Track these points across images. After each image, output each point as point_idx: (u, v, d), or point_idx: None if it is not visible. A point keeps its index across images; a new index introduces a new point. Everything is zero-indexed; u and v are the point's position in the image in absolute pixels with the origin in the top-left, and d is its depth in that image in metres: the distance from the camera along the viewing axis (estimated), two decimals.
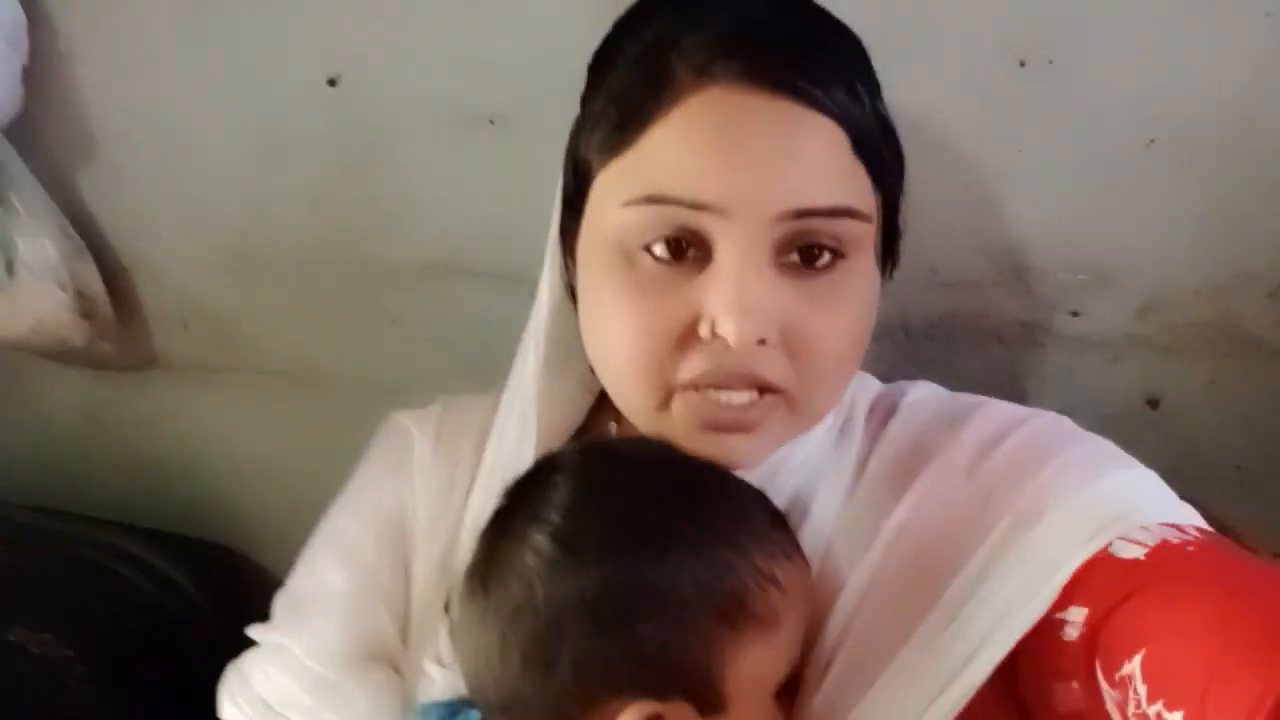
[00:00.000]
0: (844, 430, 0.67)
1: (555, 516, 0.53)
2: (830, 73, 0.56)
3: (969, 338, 0.91)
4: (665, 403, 0.57)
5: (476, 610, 0.54)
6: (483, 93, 0.95)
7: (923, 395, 0.70)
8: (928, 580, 0.57)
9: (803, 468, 0.64)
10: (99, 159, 1.11)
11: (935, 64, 0.81)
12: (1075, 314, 0.87)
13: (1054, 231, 0.85)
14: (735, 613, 0.51)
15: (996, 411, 0.64)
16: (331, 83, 1.00)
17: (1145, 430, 0.89)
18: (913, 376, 0.92)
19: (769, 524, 0.56)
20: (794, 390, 0.57)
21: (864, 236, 0.58)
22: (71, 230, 1.10)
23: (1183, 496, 0.57)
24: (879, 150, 0.58)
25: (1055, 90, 0.80)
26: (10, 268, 1.07)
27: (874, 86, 0.61)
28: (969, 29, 0.79)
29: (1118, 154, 0.81)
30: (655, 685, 0.50)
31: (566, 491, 0.54)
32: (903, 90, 0.79)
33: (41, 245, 1.07)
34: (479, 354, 0.94)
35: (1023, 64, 0.80)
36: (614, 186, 0.57)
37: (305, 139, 1.04)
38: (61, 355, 1.14)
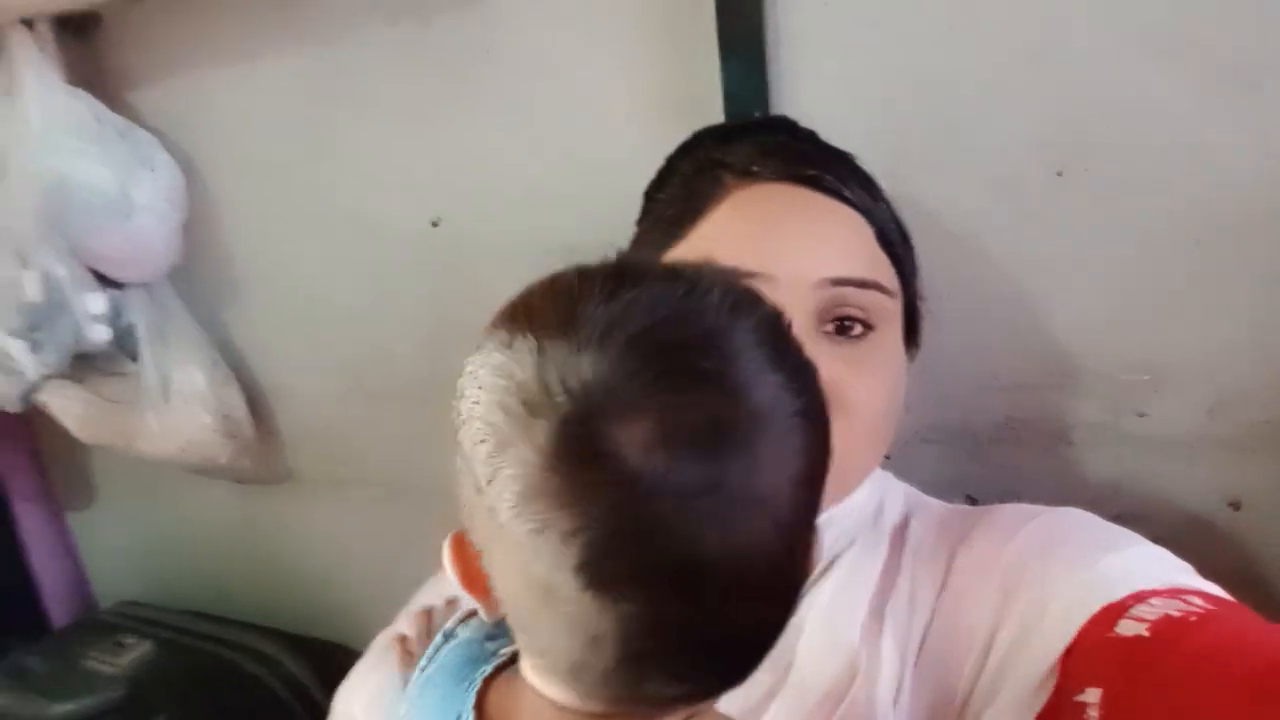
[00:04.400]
0: (878, 512, 0.69)
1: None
2: (851, 177, 0.66)
3: (1036, 441, 0.91)
4: None
5: None
6: (558, 225, 1.04)
7: (935, 504, 0.73)
8: (951, 687, 0.58)
9: (841, 537, 0.67)
10: (243, 301, 1.27)
11: (975, 175, 0.84)
12: (1142, 415, 0.86)
13: (1109, 334, 0.85)
14: None
15: (1006, 513, 0.66)
16: (434, 224, 1.12)
17: (1229, 533, 0.86)
18: (981, 480, 0.93)
19: None
20: (836, 450, 0.59)
21: (892, 312, 0.65)
22: (220, 361, 1.25)
23: (1262, 604, 0.54)
24: (898, 244, 0.67)
25: (1094, 197, 0.81)
26: (166, 394, 1.22)
27: (887, 200, 0.69)
28: (1005, 141, 0.82)
29: (1163, 256, 0.81)
30: None
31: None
32: (945, 200, 0.84)
33: (193, 374, 1.22)
34: None
35: (1060, 174, 0.82)
36: None
37: (412, 276, 1.15)
38: (207, 470, 1.27)
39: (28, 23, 1.17)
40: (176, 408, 1.22)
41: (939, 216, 0.85)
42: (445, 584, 0.78)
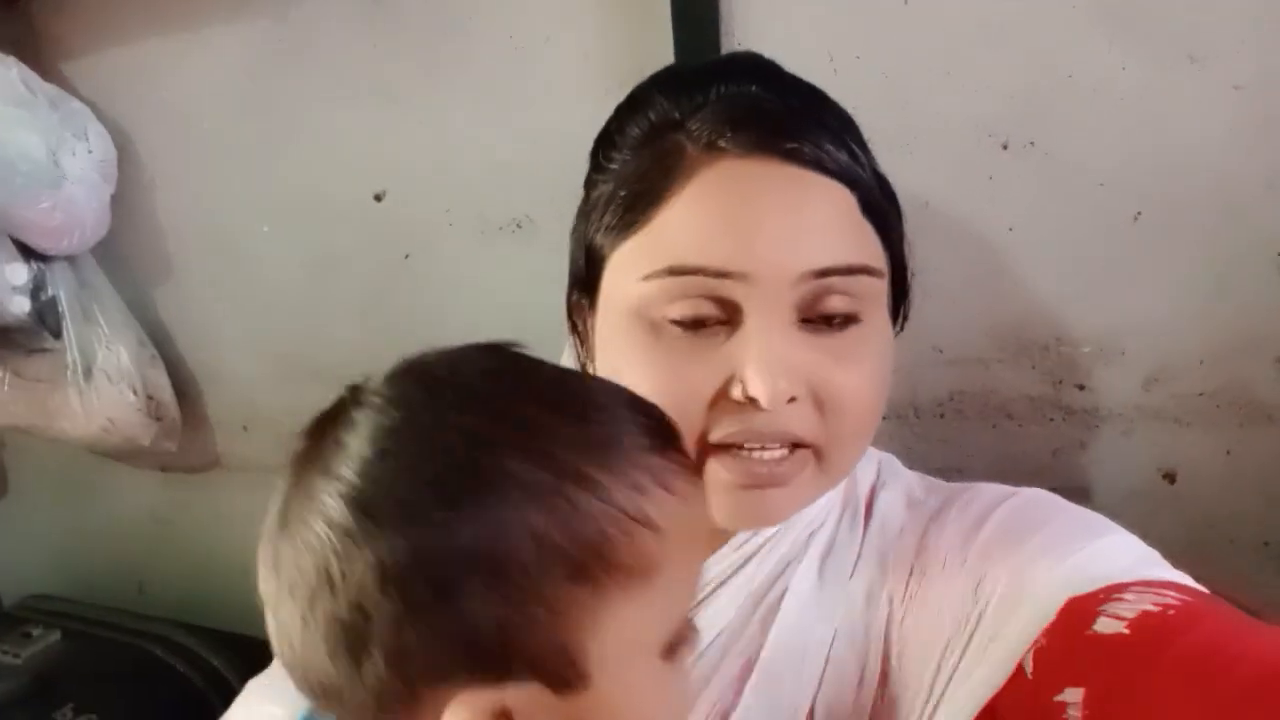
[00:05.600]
0: (852, 482, 0.68)
1: (349, 471, 0.42)
2: (831, 138, 0.58)
3: (979, 415, 0.92)
4: (700, 464, 0.57)
5: (273, 586, 0.44)
6: (507, 198, 1.03)
7: (907, 475, 0.70)
8: (919, 673, 0.58)
9: (810, 523, 0.65)
10: (173, 277, 1.23)
11: (921, 151, 0.85)
12: (1082, 387, 0.88)
13: (1051, 307, 0.87)
14: (593, 568, 0.41)
15: (979, 494, 0.64)
16: (378, 198, 1.10)
17: (1164, 505, 0.87)
18: (925, 455, 0.93)
19: (644, 446, 0.45)
20: (823, 444, 0.57)
21: (879, 293, 0.59)
22: (146, 340, 1.21)
23: (1199, 577, 0.55)
24: (884, 209, 0.60)
25: (1038, 170, 0.83)
26: (89, 373, 1.17)
27: (868, 150, 0.62)
28: (950, 116, 0.84)
29: (1106, 228, 0.83)
30: (491, 667, 0.40)
31: (365, 436, 0.43)
32: (892, 177, 0.84)
33: (118, 353, 1.17)
34: None
35: (1005, 147, 0.84)
36: (632, 262, 0.58)
37: (353, 252, 1.13)
38: (129, 455, 1.22)
39: None
40: (99, 386, 1.17)
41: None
42: None
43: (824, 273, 0.55)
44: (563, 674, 0.41)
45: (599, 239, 0.61)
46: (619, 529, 0.41)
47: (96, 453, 1.24)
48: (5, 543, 1.46)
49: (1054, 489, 0.64)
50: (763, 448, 0.56)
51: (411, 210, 1.09)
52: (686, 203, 0.56)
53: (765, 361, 0.54)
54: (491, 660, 0.40)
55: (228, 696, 1.17)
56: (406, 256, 1.11)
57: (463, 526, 0.40)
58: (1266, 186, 0.78)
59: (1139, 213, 0.82)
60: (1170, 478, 0.87)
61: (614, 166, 0.62)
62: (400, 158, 1.07)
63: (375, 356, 1.26)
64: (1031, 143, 0.83)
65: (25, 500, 1.46)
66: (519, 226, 1.04)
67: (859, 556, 0.64)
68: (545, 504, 0.40)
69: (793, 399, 0.55)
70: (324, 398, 1.27)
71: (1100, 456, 0.89)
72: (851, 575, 0.64)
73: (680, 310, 0.56)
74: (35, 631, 1.20)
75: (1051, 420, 0.90)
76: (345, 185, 1.10)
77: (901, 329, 0.67)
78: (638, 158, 0.60)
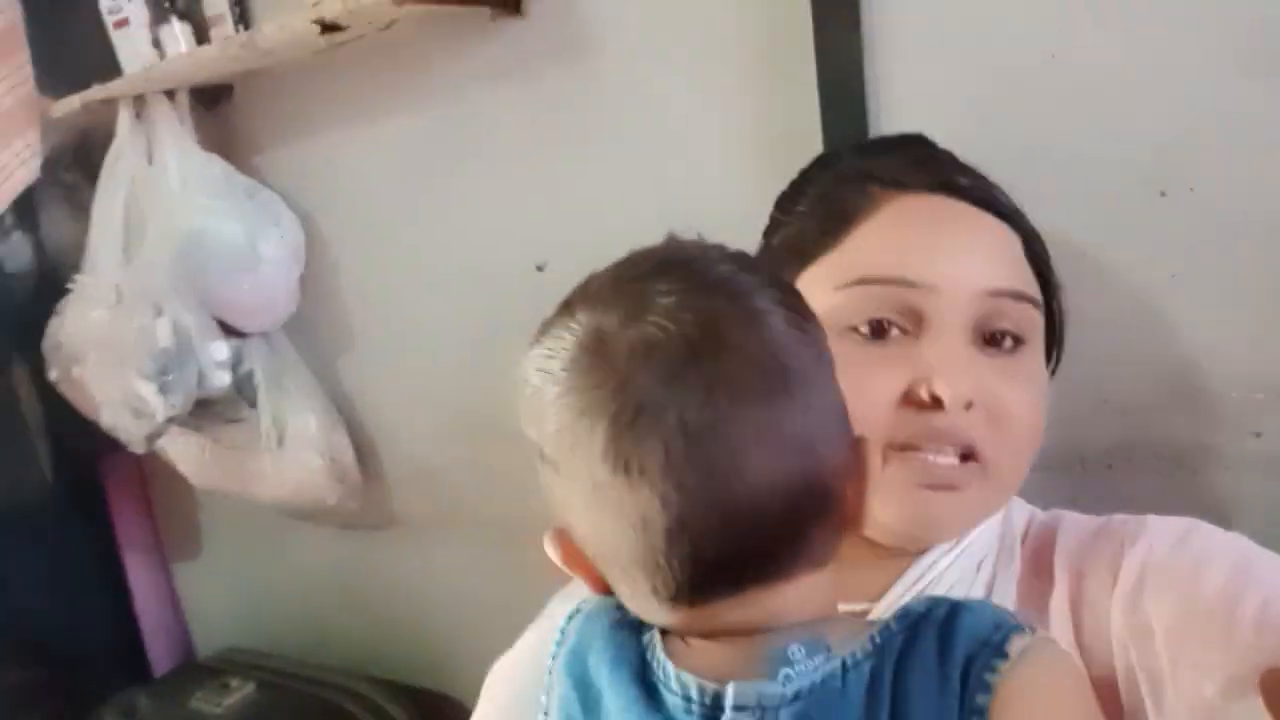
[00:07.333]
0: (1006, 525, 0.69)
1: None
2: (995, 189, 0.67)
3: (1149, 465, 0.90)
4: (881, 468, 0.60)
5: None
6: None
7: (1072, 519, 0.71)
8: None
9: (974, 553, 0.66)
10: (354, 348, 1.33)
11: (1080, 199, 0.86)
12: (1258, 435, 0.85)
13: (1219, 353, 0.85)
14: None
15: (1152, 533, 0.64)
16: (539, 269, 1.17)
17: None
18: (1094, 508, 0.91)
19: None
20: (991, 458, 0.60)
21: (1040, 327, 0.64)
22: (331, 407, 1.31)
23: None
24: (1043, 257, 0.67)
25: (1200, 215, 0.82)
26: (281, 440, 1.27)
27: (1022, 210, 0.69)
28: (1105, 165, 0.84)
29: (1273, 272, 0.81)
30: None
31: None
32: (1052, 225, 0.85)
33: (307, 420, 1.28)
34: None
35: (1163, 194, 0.83)
36: (820, 280, 0.63)
37: (520, 319, 1.19)
38: (314, 514, 1.31)
39: (169, 93, 1.28)
40: (289, 452, 1.27)
41: (1051, 243, 0.87)
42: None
43: (999, 293, 0.61)
44: None
45: (785, 272, 0.65)
46: None
47: (285, 513, 1.34)
48: (201, 598, 1.58)
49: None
50: (939, 452, 0.59)
51: (570, 279, 1.15)
52: (874, 229, 0.63)
53: (949, 364, 0.59)
54: None
55: None
56: None
57: None
58: None
59: None
60: None
61: (800, 209, 0.69)
62: (559, 230, 1.14)
63: None
64: (1191, 188, 0.82)
65: (218, 558, 1.58)
66: None
67: (1032, 589, 0.66)
68: None
69: (969, 405, 0.59)
70: (493, 458, 1.33)
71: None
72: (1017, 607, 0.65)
73: (867, 316, 0.61)
74: (233, 683, 1.29)
75: (1227, 469, 0.87)
76: (508, 257, 1.18)
77: (1054, 371, 0.71)
78: (825, 200, 0.67)
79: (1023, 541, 0.69)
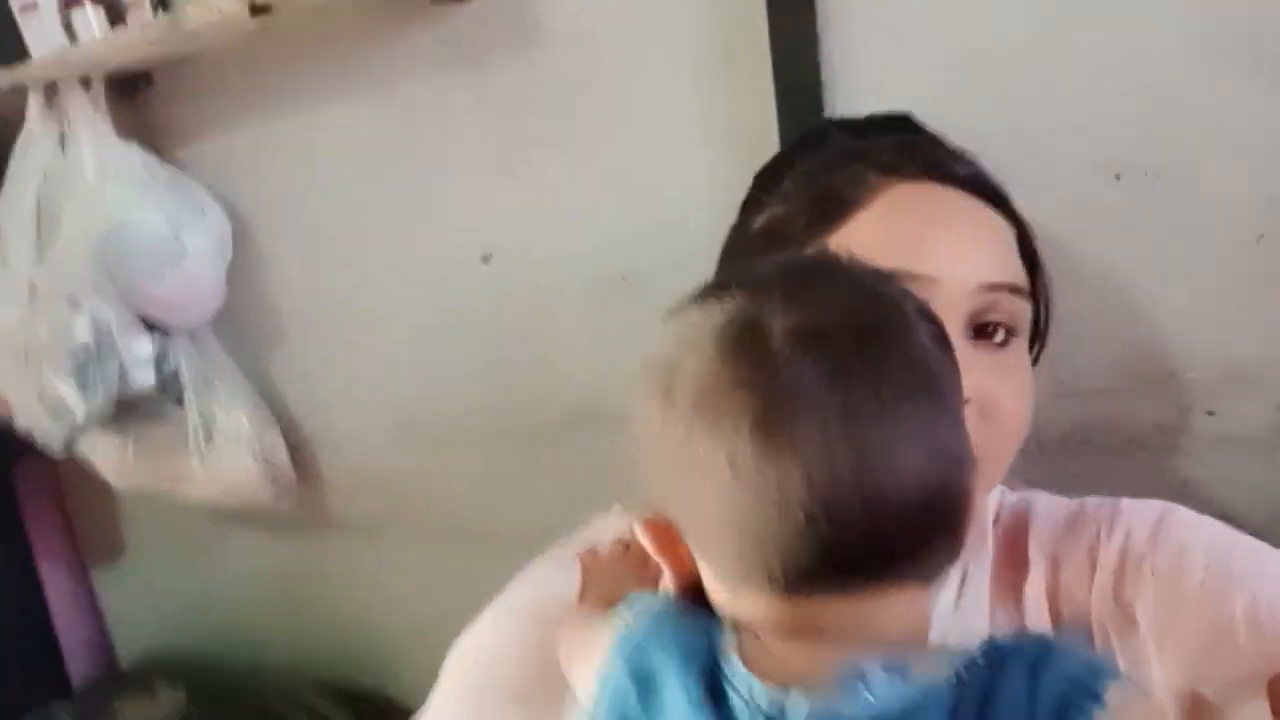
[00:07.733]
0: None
1: None
2: (989, 180, 0.65)
3: (1106, 446, 0.91)
4: None
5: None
6: (612, 254, 1.05)
7: (1045, 503, 0.71)
8: None
9: None
10: (287, 344, 1.27)
11: (1035, 184, 0.85)
12: (1210, 413, 0.86)
13: (1174, 334, 0.86)
14: None
15: (1127, 519, 0.64)
16: (485, 260, 1.13)
17: None
18: (1054, 489, 0.92)
19: None
20: (981, 452, 0.59)
21: (1029, 317, 0.64)
22: (263, 405, 1.25)
23: None
24: (1034, 250, 0.67)
25: (1155, 198, 0.83)
26: (209, 438, 1.21)
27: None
28: (1061, 150, 0.84)
29: (1226, 253, 0.82)
30: None
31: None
32: None
33: (237, 419, 1.22)
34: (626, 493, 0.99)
35: (1118, 177, 0.84)
36: None
37: (464, 313, 1.16)
38: (246, 515, 1.26)
39: (84, 81, 1.21)
40: (220, 451, 1.21)
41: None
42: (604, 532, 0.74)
43: (996, 287, 0.59)
44: None
45: (769, 254, 0.63)
46: None
47: (215, 515, 1.28)
48: (124, 605, 1.50)
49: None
50: None
51: (517, 270, 1.12)
52: (872, 218, 0.61)
53: None
54: None
55: None
56: (514, 315, 1.14)
57: None
58: None
59: (1261, 235, 0.81)
60: None
61: (787, 190, 0.66)
62: (505, 219, 1.11)
63: (483, 414, 1.29)
64: (1145, 172, 0.83)
65: (142, 563, 1.50)
66: (623, 280, 1.06)
67: (1008, 573, 0.65)
68: None
69: (966, 400, 0.56)
70: (438, 458, 1.29)
71: (1243, 480, 0.87)
72: (994, 591, 0.65)
73: None
74: (162, 692, 1.24)
75: (1183, 449, 0.88)
76: (451, 249, 1.14)
77: (1036, 361, 0.70)
78: (817, 183, 0.65)
79: (994, 524, 0.69)
